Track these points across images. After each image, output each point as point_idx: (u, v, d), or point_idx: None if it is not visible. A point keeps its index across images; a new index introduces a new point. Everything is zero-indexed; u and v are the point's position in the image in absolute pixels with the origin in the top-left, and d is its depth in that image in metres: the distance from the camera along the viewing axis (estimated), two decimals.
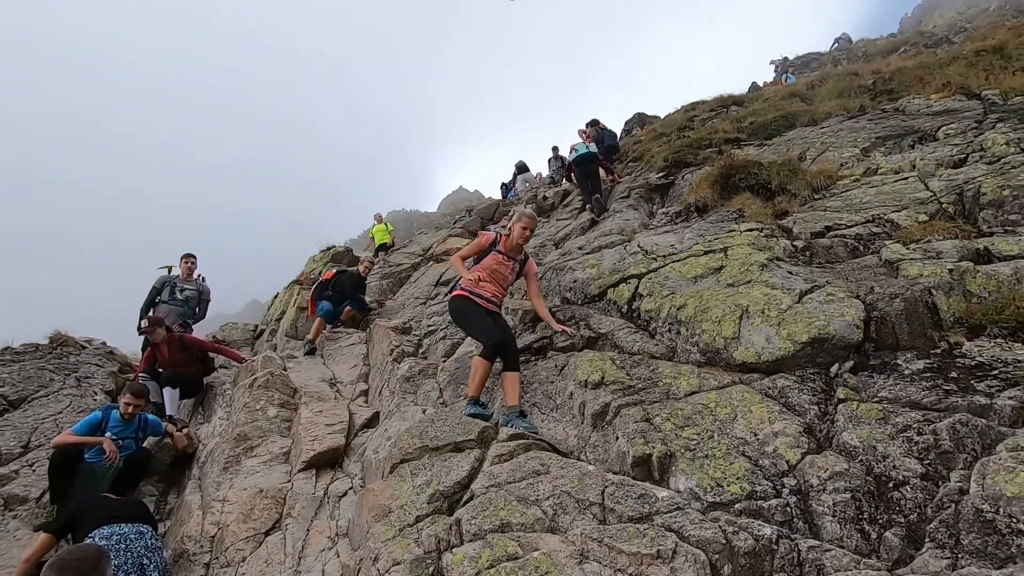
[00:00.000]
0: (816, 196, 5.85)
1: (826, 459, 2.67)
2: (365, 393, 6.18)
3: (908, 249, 4.04)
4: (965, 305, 3.36)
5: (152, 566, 3.42)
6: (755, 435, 2.93)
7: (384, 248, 14.58)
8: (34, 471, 4.99)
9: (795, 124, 8.90)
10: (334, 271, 8.82)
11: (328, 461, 4.60)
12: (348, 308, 8.46)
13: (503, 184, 18.85)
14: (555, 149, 15.88)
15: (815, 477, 2.62)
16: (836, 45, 27.07)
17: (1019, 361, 2.83)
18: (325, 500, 4.17)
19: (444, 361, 5.53)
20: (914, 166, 5.72)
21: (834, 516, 2.47)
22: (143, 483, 5.05)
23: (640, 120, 22.92)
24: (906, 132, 6.82)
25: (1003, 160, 5.16)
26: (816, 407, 3.02)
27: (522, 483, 2.95)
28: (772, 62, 27.28)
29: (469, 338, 5.65)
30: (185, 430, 5.67)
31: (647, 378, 3.65)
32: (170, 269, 7.50)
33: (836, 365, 3.23)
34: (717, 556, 2.31)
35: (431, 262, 11.26)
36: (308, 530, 3.86)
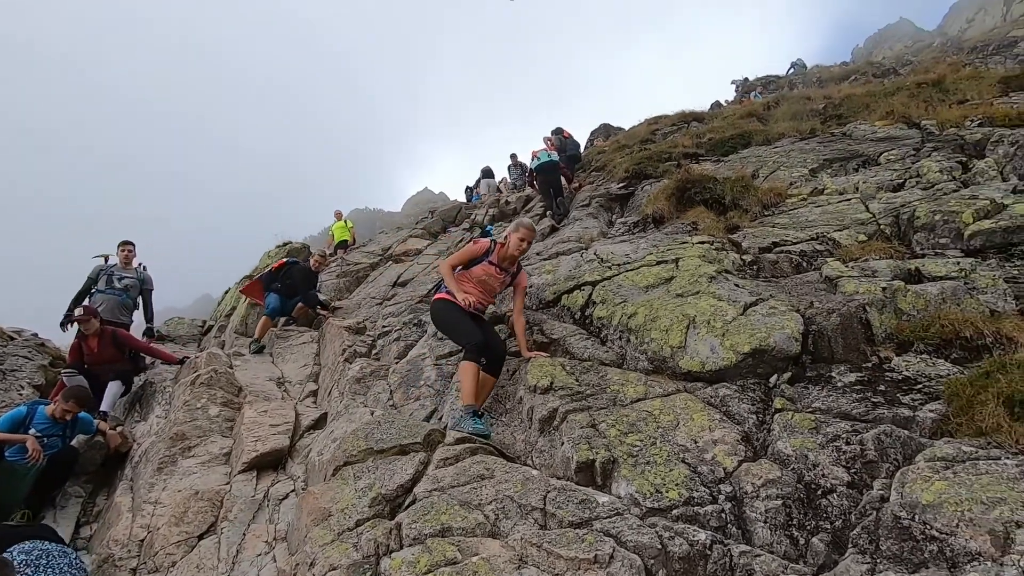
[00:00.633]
0: (766, 212, 6.06)
1: (761, 467, 2.76)
2: (314, 394, 6.03)
3: (847, 267, 4.23)
4: (896, 322, 3.53)
5: None
6: (695, 442, 3.00)
7: (343, 246, 14.32)
8: None
9: (751, 143, 9.23)
10: (283, 261, 8.31)
11: (271, 463, 4.47)
12: (300, 305, 8.16)
13: (467, 187, 18.87)
14: (513, 156, 16.12)
15: (750, 484, 2.69)
16: (792, 70, 28.26)
17: (941, 376, 2.99)
18: (265, 503, 4.04)
19: (396, 363, 5.45)
20: (857, 188, 6.01)
21: (766, 522, 2.55)
22: (69, 484, 4.78)
23: (605, 131, 23.33)
24: (852, 156, 7.16)
25: (936, 187, 5.48)
26: (754, 416, 3.12)
27: (466, 487, 2.92)
28: (733, 82, 28.31)
29: (422, 340, 5.60)
30: (119, 428, 5.40)
31: (596, 384, 3.69)
32: (107, 258, 7.14)
33: (775, 376, 3.34)
34: (653, 561, 2.35)
35: (390, 262, 11.12)
36: (245, 534, 3.73)
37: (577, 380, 3.77)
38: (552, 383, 3.72)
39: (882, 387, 3.03)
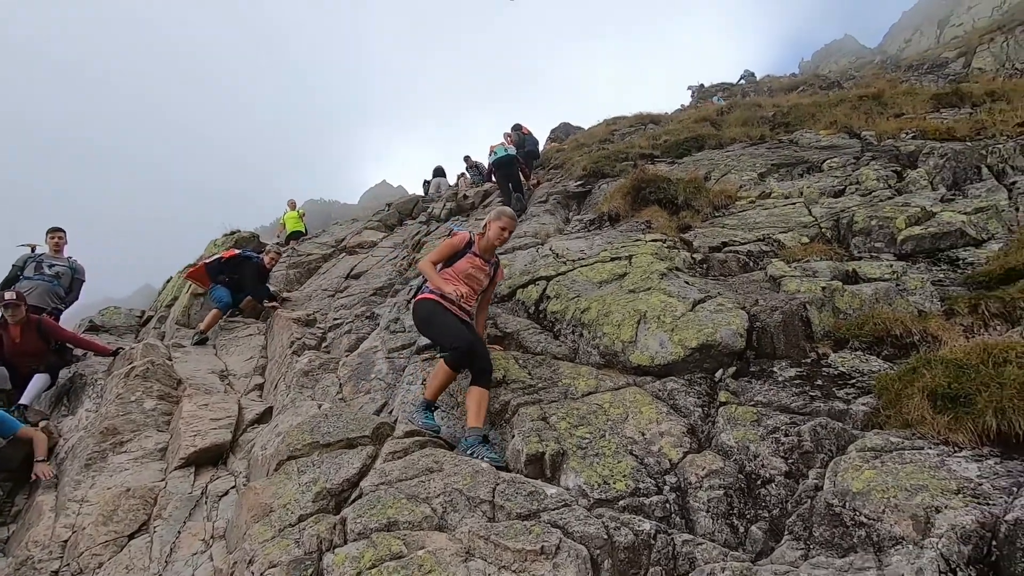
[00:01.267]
0: (716, 213, 6.24)
1: (705, 458, 2.83)
2: (260, 387, 5.82)
3: (790, 267, 4.40)
4: (833, 320, 3.70)
5: None
6: (643, 435, 3.05)
7: (296, 236, 13.88)
8: None
9: (704, 146, 9.48)
10: (235, 252, 7.85)
11: (211, 458, 4.28)
12: (248, 299, 7.83)
13: (425, 181, 18.66)
14: (467, 158, 16.21)
15: (694, 475, 2.76)
16: (743, 80, 29.24)
17: (873, 372, 3.15)
18: (203, 500, 3.86)
19: (347, 356, 5.32)
20: (801, 193, 6.26)
21: (708, 512, 2.62)
22: None
23: (565, 130, 23.51)
24: (797, 162, 7.46)
25: (873, 194, 5.77)
26: (700, 409, 3.20)
27: (413, 480, 2.88)
28: (689, 87, 29.04)
29: (375, 333, 5.49)
30: (44, 423, 5.06)
31: (548, 378, 3.71)
32: (33, 248, 6.67)
33: (721, 370, 3.44)
34: (598, 551, 2.37)
35: (344, 254, 10.87)
36: (180, 532, 3.55)
37: (530, 374, 3.77)
38: (505, 377, 3.71)
39: (819, 382, 3.17)
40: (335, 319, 6.54)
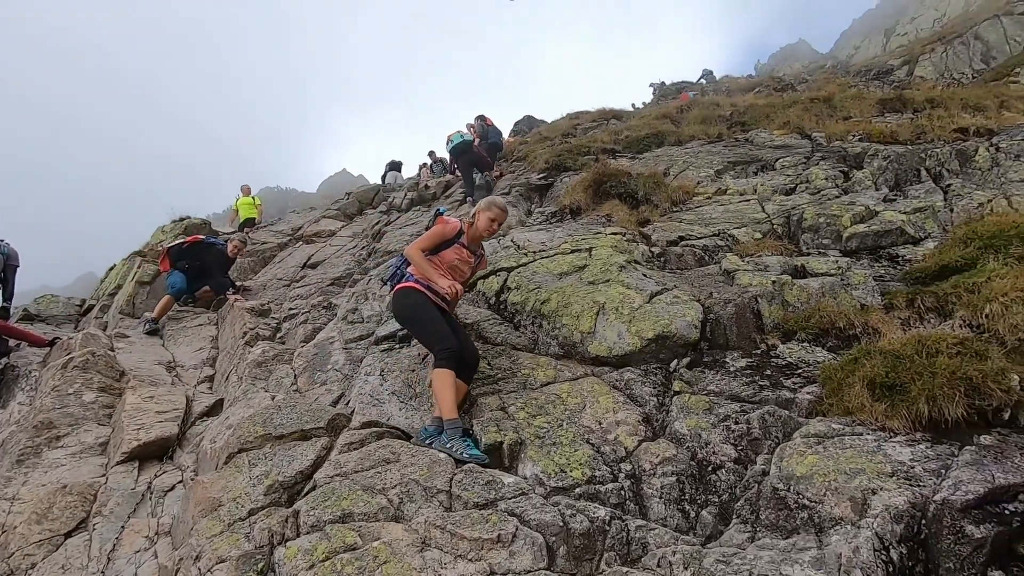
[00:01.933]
0: (675, 208, 6.37)
1: (659, 446, 2.90)
2: (211, 379, 5.62)
3: (743, 261, 4.53)
4: (783, 313, 3.83)
5: None
6: (600, 424, 3.10)
7: (249, 223, 13.42)
8: None
9: (664, 142, 9.66)
10: (199, 238, 7.52)
11: (156, 453, 4.11)
12: (206, 289, 7.51)
13: (383, 175, 18.36)
14: (432, 154, 16.14)
15: (648, 462, 2.82)
16: (703, 78, 29.96)
17: (818, 362, 3.28)
18: (148, 495, 3.71)
19: (303, 346, 5.19)
20: (755, 190, 6.45)
21: (661, 498, 2.68)
22: None
23: (528, 123, 23.53)
24: (752, 160, 7.68)
25: (822, 192, 6.01)
26: (655, 398, 3.27)
27: (370, 472, 2.84)
28: (651, 85, 29.55)
29: (331, 324, 5.37)
30: None
31: (507, 368, 3.71)
32: None
33: (675, 361, 3.52)
34: (554, 538, 2.40)
35: (300, 242, 10.59)
36: (123, 529, 3.40)
37: (489, 364, 3.77)
38: None
39: (768, 372, 3.28)
40: (291, 309, 6.37)
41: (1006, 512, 1.97)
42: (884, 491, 2.13)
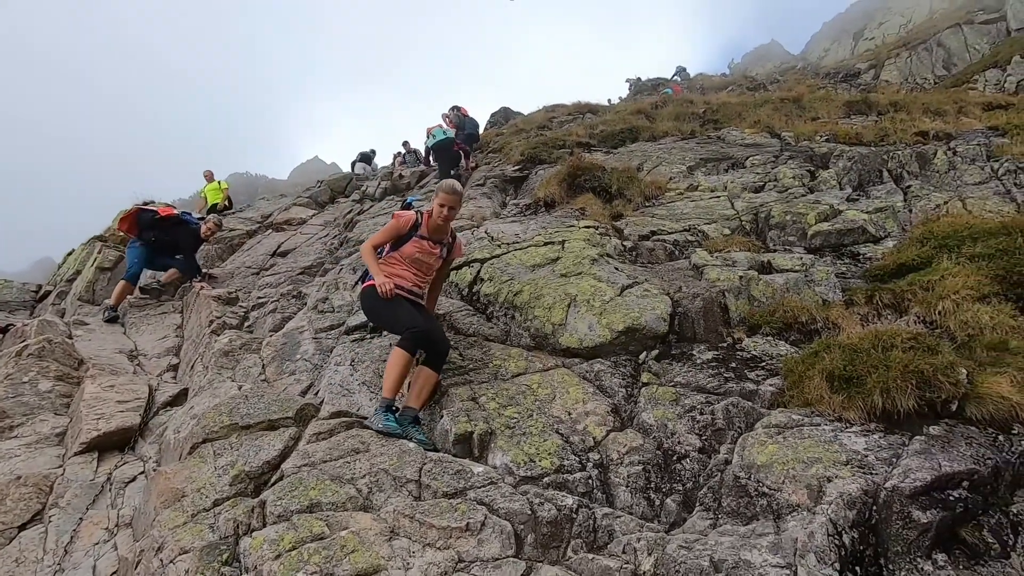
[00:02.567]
0: (647, 203, 6.45)
1: (626, 436, 2.96)
2: (175, 368, 5.48)
3: (712, 256, 4.62)
4: (749, 307, 3.93)
5: None
6: (569, 414, 3.14)
7: (216, 209, 13.05)
8: None
9: (638, 138, 9.75)
10: (173, 211, 7.05)
11: (116, 443, 3.99)
12: (174, 271, 7.21)
13: (353, 163, 18.11)
14: (406, 144, 15.99)
15: (615, 452, 2.88)
16: (678, 76, 30.31)
17: (781, 355, 3.38)
18: (107, 487, 3.61)
19: (271, 336, 5.09)
20: (726, 187, 6.58)
21: (627, 486, 2.74)
22: None
23: (505, 114, 23.43)
24: (723, 157, 7.82)
25: (789, 191, 6.16)
26: (624, 389, 3.33)
27: (339, 461, 2.82)
28: (628, 80, 29.76)
29: (301, 313, 5.30)
30: None
31: (479, 359, 3.72)
32: None
33: (644, 353, 3.58)
34: (522, 526, 2.43)
35: (270, 230, 10.35)
36: (81, 521, 3.31)
37: (461, 355, 3.77)
38: None
39: (733, 364, 3.37)
40: (259, 298, 6.24)
41: (951, 498, 2.08)
42: (839, 479, 2.22)
